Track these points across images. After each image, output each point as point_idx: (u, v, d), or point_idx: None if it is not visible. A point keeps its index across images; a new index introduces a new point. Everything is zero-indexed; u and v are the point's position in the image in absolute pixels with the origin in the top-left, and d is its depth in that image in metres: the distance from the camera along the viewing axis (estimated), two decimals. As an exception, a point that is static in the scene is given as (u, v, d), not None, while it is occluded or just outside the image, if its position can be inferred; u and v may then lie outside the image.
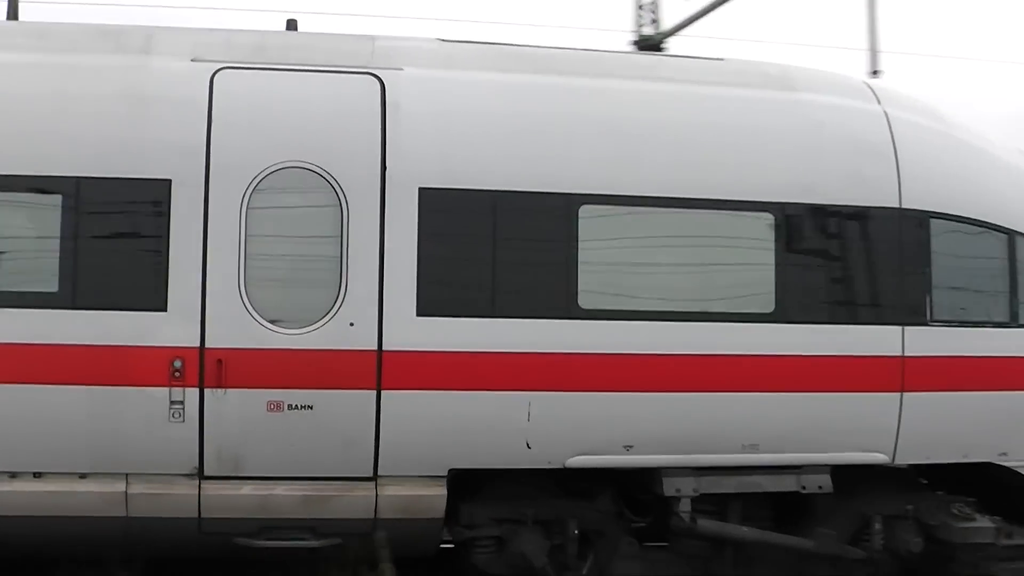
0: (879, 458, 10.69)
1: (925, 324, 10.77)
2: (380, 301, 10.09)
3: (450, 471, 10.29)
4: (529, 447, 10.24)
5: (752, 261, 10.63)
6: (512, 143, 10.51)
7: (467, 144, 10.47)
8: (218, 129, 10.16)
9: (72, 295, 9.90)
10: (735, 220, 10.60)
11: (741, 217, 10.60)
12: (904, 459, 10.84)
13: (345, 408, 10.05)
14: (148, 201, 10.05)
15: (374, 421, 10.09)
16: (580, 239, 10.36)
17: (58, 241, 9.90)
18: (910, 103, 11.64)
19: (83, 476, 10.03)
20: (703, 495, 10.68)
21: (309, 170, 10.18)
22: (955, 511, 11.18)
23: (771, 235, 10.61)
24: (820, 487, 10.79)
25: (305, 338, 9.95)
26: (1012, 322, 11.05)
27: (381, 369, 10.06)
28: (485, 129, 10.55)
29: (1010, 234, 11.10)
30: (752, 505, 10.94)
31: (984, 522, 11.07)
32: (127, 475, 10.06)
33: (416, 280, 10.12)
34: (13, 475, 9.98)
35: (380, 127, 10.31)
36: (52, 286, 9.89)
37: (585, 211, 10.38)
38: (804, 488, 10.79)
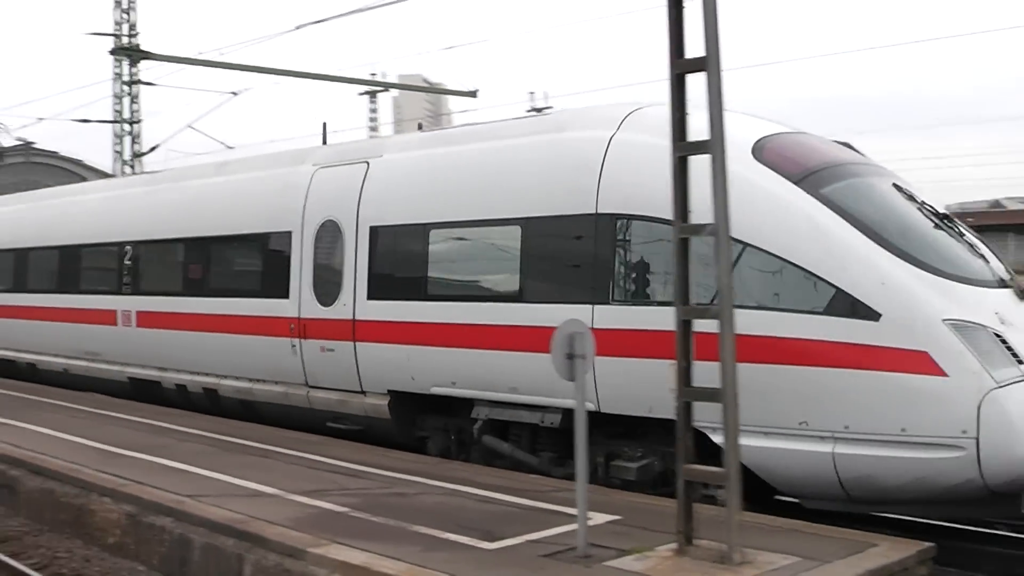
0: (589, 406, 11.98)
1: (607, 303, 13.82)
2: (354, 291, 17.25)
3: (389, 391, 16.83)
4: (413, 379, 16.32)
5: (515, 258, 15.05)
6: (404, 196, 16.91)
7: (389, 199, 17.10)
8: (310, 200, 18.38)
9: (265, 291, 19.03)
10: (502, 231, 15.33)
11: (502, 230, 15.34)
12: (607, 409, 13.72)
13: (344, 351, 17.38)
14: (284, 242, 18.68)
15: (354, 359, 17.21)
16: (426, 255, 16.35)
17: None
18: (647, 125, 13.91)
19: (276, 382, 18.95)
20: (501, 421, 15.33)
21: (333, 220, 17.83)
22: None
23: (520, 239, 14.97)
24: (552, 423, 14.46)
25: (329, 312, 17.63)
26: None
27: (355, 330, 17.19)
28: (398, 189, 17.08)
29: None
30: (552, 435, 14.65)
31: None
32: (287, 383, 18.67)
33: (368, 278, 17.10)
34: (253, 380, 19.45)
35: (359, 191, 17.49)
36: (257, 286, 19.44)
37: (437, 235, 16.23)
38: (542, 422, 14.66)
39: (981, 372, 11.51)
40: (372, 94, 62.80)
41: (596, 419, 12.90)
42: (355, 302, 17.14)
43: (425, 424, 16.79)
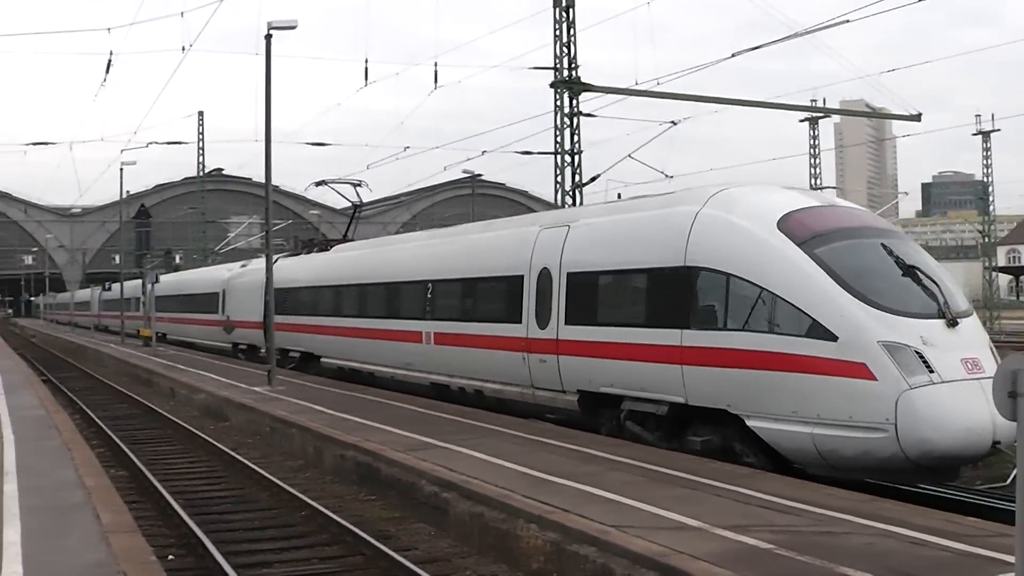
0: (680, 400, 19.58)
1: (689, 328, 19.38)
2: (558, 318, 23.08)
3: (578, 390, 22.53)
4: (590, 381, 22.08)
5: (642, 296, 21.10)
6: (584, 250, 22.95)
7: (576, 253, 23.05)
8: (535, 253, 24.41)
9: (507, 318, 25.11)
10: (636, 277, 21.35)
11: (636, 276, 21.28)
12: (692, 402, 19.38)
13: (552, 362, 23.23)
14: (518, 283, 24.81)
15: (557, 368, 23.06)
16: (599, 292, 22.45)
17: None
18: (721, 203, 19.88)
19: (515, 385, 25.00)
20: (638, 412, 20.91)
21: (547, 268, 23.82)
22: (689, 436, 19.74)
23: (645, 283, 20.98)
24: (663, 412, 20.11)
25: (543, 333, 23.50)
26: (724, 327, 18.77)
27: (558, 346, 22.99)
28: (580, 246, 23.09)
29: (727, 275, 18.77)
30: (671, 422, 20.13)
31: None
32: (521, 385, 24.68)
33: (565, 309, 22.96)
34: (503, 383, 25.46)
35: (561, 247, 23.46)
36: (503, 315, 25.54)
37: (602, 279, 22.46)
38: (657, 412, 20.28)
39: (899, 378, 16.34)
40: (813, 121, 61.78)
41: (686, 409, 19.62)
42: (558, 326, 23.19)
43: (600, 415, 22.23)
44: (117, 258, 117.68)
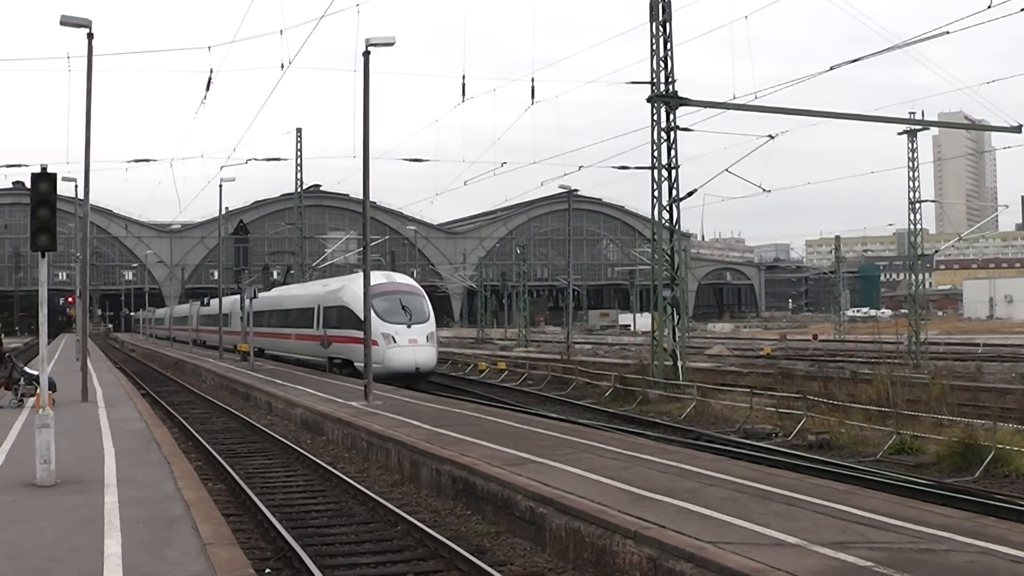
0: (345, 357, 52.21)
1: (343, 328, 51.52)
2: (323, 326, 55.74)
3: (328, 357, 54.93)
4: (330, 352, 54.39)
5: (335, 316, 53.71)
6: (337, 296, 53.85)
7: (327, 297, 55.85)
8: (318, 297, 58.34)
9: (308, 325, 59.30)
10: (334, 308, 53.79)
11: (334, 308, 53.68)
12: (346, 358, 51.81)
13: (322, 345, 55.99)
14: (311, 310, 58.92)
15: (324, 347, 55.83)
16: (329, 314, 55.60)
17: (315, 318, 57.79)
18: (351, 281, 53.81)
19: (314, 357, 60.89)
20: (337, 363, 53.98)
21: (319, 304, 56.70)
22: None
23: (336, 312, 53.24)
24: (340, 363, 53.24)
25: (319, 333, 57.53)
26: (348, 327, 50.35)
27: (324, 339, 54.92)
28: (332, 295, 55.22)
29: (350, 309, 50.35)
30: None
31: None
32: (315, 355, 59.70)
33: (323, 321, 55.51)
34: (311, 356, 60.61)
35: (322, 295, 57.34)
36: (308, 324, 60.11)
37: (330, 309, 54.74)
38: (340, 362, 53.17)
39: (387, 345, 46.14)
40: (911, 133, 61.12)
41: (347, 361, 51.25)
42: (322, 329, 54.36)
43: (332, 366, 53.66)
44: (215, 273, 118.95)
